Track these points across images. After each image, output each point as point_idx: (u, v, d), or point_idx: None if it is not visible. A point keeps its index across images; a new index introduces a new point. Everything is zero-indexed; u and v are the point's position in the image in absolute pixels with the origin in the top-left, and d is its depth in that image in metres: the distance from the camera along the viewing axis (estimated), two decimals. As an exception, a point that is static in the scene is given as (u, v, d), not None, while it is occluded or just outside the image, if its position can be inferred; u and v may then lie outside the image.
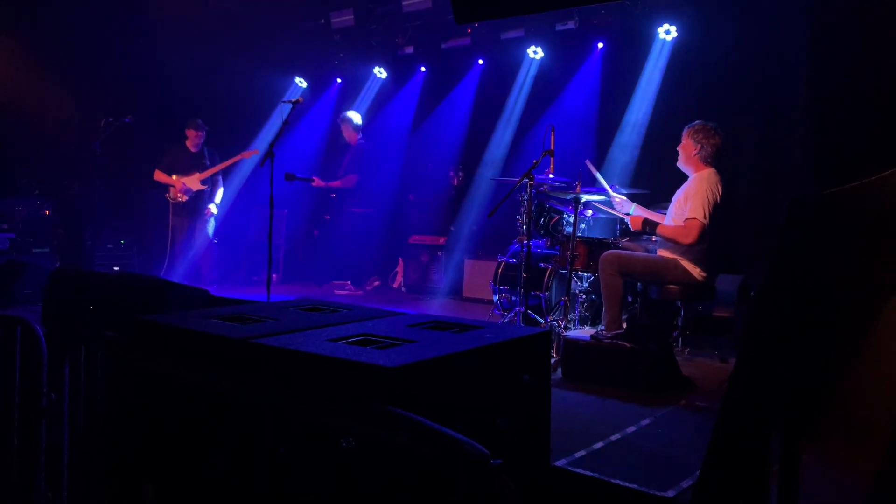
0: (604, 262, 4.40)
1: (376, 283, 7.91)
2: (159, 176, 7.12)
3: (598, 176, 4.88)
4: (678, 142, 4.53)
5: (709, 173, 4.35)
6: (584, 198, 4.87)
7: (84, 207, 7.26)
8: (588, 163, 4.91)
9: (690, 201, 4.27)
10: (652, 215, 4.66)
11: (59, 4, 7.25)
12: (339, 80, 9.22)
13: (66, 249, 7.11)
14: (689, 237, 4.19)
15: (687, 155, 4.46)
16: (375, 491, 1.61)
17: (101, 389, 2.83)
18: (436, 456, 1.49)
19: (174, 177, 7.08)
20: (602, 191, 4.89)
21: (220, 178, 7.41)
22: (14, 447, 3.07)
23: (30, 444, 2.91)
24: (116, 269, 7.25)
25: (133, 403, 2.41)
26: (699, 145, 4.39)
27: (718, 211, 4.26)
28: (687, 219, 4.22)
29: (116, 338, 2.72)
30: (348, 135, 7.65)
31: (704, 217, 4.17)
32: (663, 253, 4.42)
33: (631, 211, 4.74)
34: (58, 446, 2.85)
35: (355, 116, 7.64)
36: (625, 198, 4.82)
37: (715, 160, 4.40)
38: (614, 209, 4.86)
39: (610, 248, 4.76)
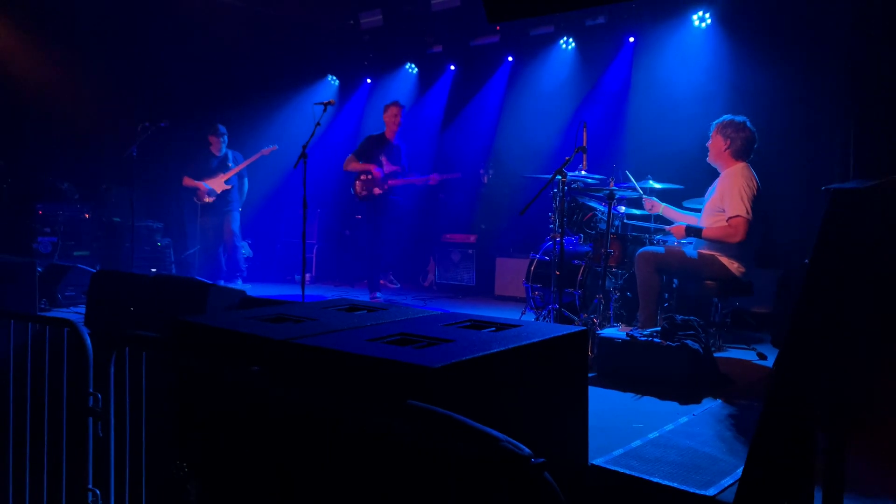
0: (640, 260, 4.37)
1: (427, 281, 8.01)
2: (187, 181, 7.36)
3: (631, 178, 4.86)
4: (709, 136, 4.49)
5: (741, 167, 4.30)
6: (618, 194, 4.83)
7: (122, 211, 7.44)
8: (627, 173, 4.90)
9: (728, 199, 4.21)
10: (683, 217, 4.62)
11: (95, 13, 7.40)
12: (368, 81, 9.28)
13: (106, 252, 7.28)
14: (738, 235, 4.15)
15: (717, 151, 4.41)
16: (417, 489, 1.63)
17: (145, 389, 2.90)
18: (477, 455, 1.51)
19: (203, 181, 7.31)
20: (633, 192, 4.88)
21: (246, 177, 7.60)
22: (62, 445, 3.16)
23: (77, 442, 2.99)
24: (154, 270, 7.40)
25: (176, 403, 2.47)
26: (728, 140, 4.34)
27: (758, 204, 4.21)
28: (730, 217, 4.17)
29: (159, 338, 2.78)
30: (396, 125, 6.97)
31: (747, 213, 4.12)
32: (701, 251, 4.37)
33: (660, 212, 4.71)
34: (104, 444, 2.92)
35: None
36: (654, 199, 4.78)
37: (746, 154, 4.35)
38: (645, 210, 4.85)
39: (644, 244, 4.72)
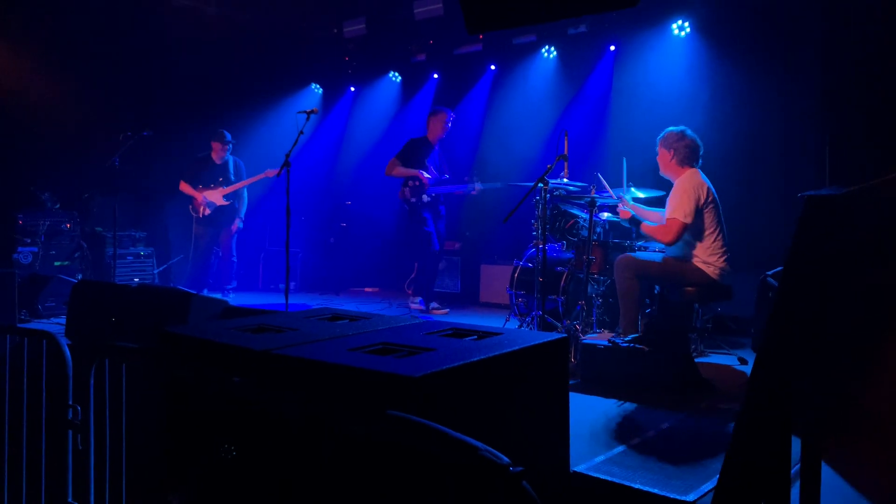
0: (619, 266, 4.41)
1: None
2: (184, 187, 7.22)
3: (603, 181, 4.92)
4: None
5: (690, 174, 4.40)
6: (600, 201, 4.87)
7: (104, 221, 7.38)
8: (599, 175, 4.95)
9: (670, 202, 4.37)
10: (651, 215, 4.68)
11: (76, 21, 7.36)
12: (352, 89, 9.30)
13: (88, 262, 7.22)
14: (668, 236, 4.29)
15: (664, 163, 4.56)
16: (396, 499, 1.63)
17: (125, 400, 2.88)
18: (456, 464, 1.51)
19: (199, 187, 7.18)
20: (612, 199, 4.94)
21: (245, 192, 7.48)
22: (42, 459, 3.13)
23: (57, 455, 2.97)
24: (136, 280, 7.34)
25: (157, 414, 2.45)
26: (671, 150, 4.48)
27: (714, 208, 4.30)
28: (667, 219, 4.30)
29: (140, 349, 2.77)
30: (443, 132, 6.75)
31: (684, 216, 4.24)
32: (677, 257, 4.42)
33: (633, 213, 4.75)
34: (84, 457, 2.90)
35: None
36: (624, 198, 4.82)
37: (692, 161, 4.45)
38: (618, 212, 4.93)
39: (626, 250, 4.76)
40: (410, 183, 6.64)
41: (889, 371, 2.87)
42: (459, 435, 1.57)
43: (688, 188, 4.30)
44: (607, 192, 4.87)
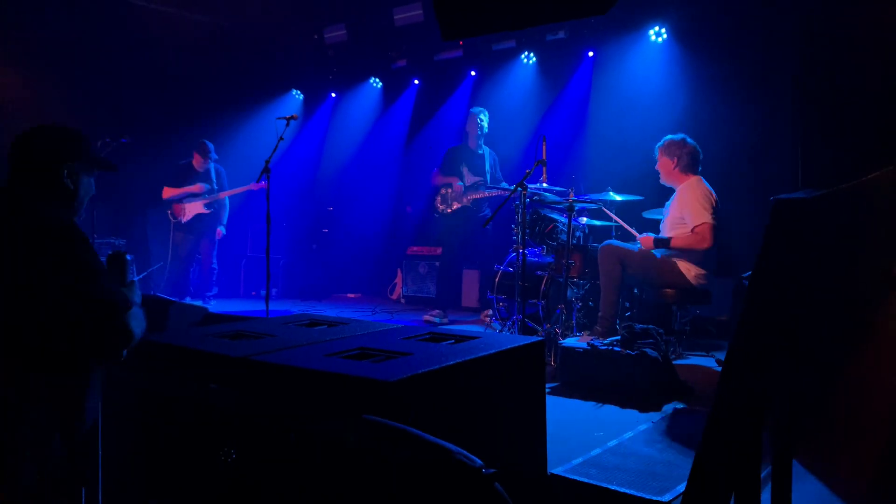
0: (604, 252, 4.46)
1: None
2: (168, 193, 7.13)
3: (612, 214, 5.04)
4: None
5: (695, 181, 4.44)
6: (578, 206, 4.92)
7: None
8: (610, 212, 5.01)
9: (689, 210, 4.34)
10: (664, 231, 4.68)
11: (53, 25, 7.31)
12: (333, 95, 9.30)
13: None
14: (706, 241, 4.27)
15: (667, 170, 4.57)
16: (371, 501, 1.64)
17: (101, 409, 2.86)
18: (430, 467, 1.53)
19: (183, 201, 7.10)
20: (591, 203, 5.03)
21: (227, 199, 7.41)
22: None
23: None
24: (115, 287, 7.28)
25: (134, 423, 2.45)
26: (675, 158, 4.50)
27: (716, 213, 4.34)
28: (695, 226, 4.30)
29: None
30: (477, 131, 6.50)
31: (711, 218, 4.25)
32: (662, 255, 4.46)
33: (641, 238, 4.74)
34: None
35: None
36: (638, 235, 4.82)
37: (694, 167, 4.49)
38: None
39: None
40: (443, 191, 6.53)
41: (857, 372, 2.93)
42: (434, 438, 1.59)
43: (701, 194, 4.35)
44: (616, 221, 4.96)
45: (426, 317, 6.53)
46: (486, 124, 6.46)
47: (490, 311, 6.10)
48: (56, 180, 2.05)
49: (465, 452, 1.57)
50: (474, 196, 6.41)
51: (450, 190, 6.45)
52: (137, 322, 1.96)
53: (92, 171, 2.19)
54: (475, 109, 6.55)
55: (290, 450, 1.86)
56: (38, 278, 1.81)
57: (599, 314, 4.49)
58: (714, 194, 4.39)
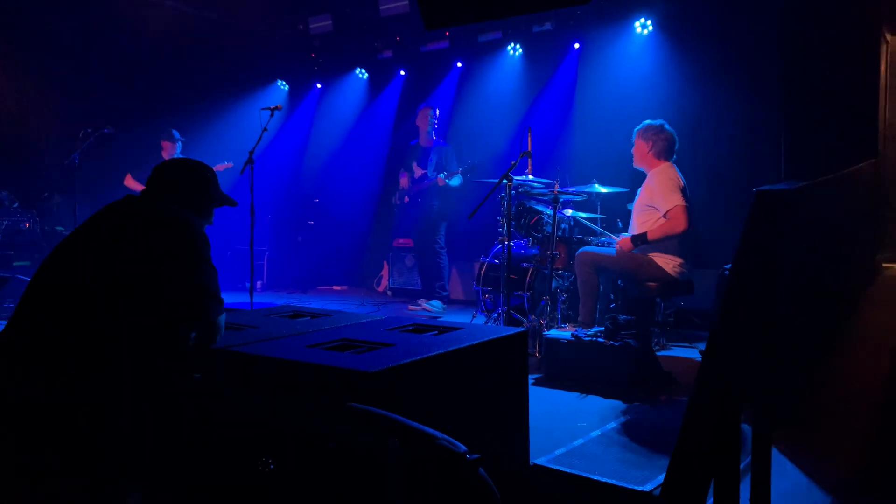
0: (579, 261, 4.47)
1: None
2: (130, 182, 7.06)
3: (596, 228, 5.11)
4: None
5: (666, 166, 4.45)
6: (563, 197, 4.92)
7: (64, 220, 7.23)
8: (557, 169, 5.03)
9: (659, 195, 4.32)
10: (636, 227, 4.68)
11: (35, 16, 7.21)
12: (318, 86, 9.24)
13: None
14: (680, 225, 4.20)
15: (641, 154, 4.56)
16: (355, 488, 1.64)
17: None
18: (415, 453, 1.53)
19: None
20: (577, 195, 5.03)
21: None
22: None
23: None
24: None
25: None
26: (650, 142, 4.49)
27: (689, 199, 4.34)
28: (667, 210, 4.25)
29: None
30: (427, 127, 6.90)
31: (682, 200, 4.23)
32: (636, 253, 4.43)
33: (620, 240, 4.71)
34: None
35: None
36: (615, 237, 4.84)
37: (668, 154, 4.50)
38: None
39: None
40: (400, 187, 7.01)
41: (837, 361, 2.95)
42: (417, 424, 1.59)
43: (671, 177, 4.34)
44: (607, 237, 5.00)
45: (411, 307, 6.56)
46: (435, 120, 6.93)
47: (421, 300, 6.65)
48: (203, 200, 2.39)
49: (448, 438, 1.58)
50: (416, 189, 6.82)
51: (400, 185, 6.96)
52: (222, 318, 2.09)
53: (220, 203, 2.47)
54: (422, 106, 7.04)
55: (273, 439, 1.85)
56: (157, 263, 1.95)
57: (579, 318, 4.50)
58: (683, 180, 4.38)
